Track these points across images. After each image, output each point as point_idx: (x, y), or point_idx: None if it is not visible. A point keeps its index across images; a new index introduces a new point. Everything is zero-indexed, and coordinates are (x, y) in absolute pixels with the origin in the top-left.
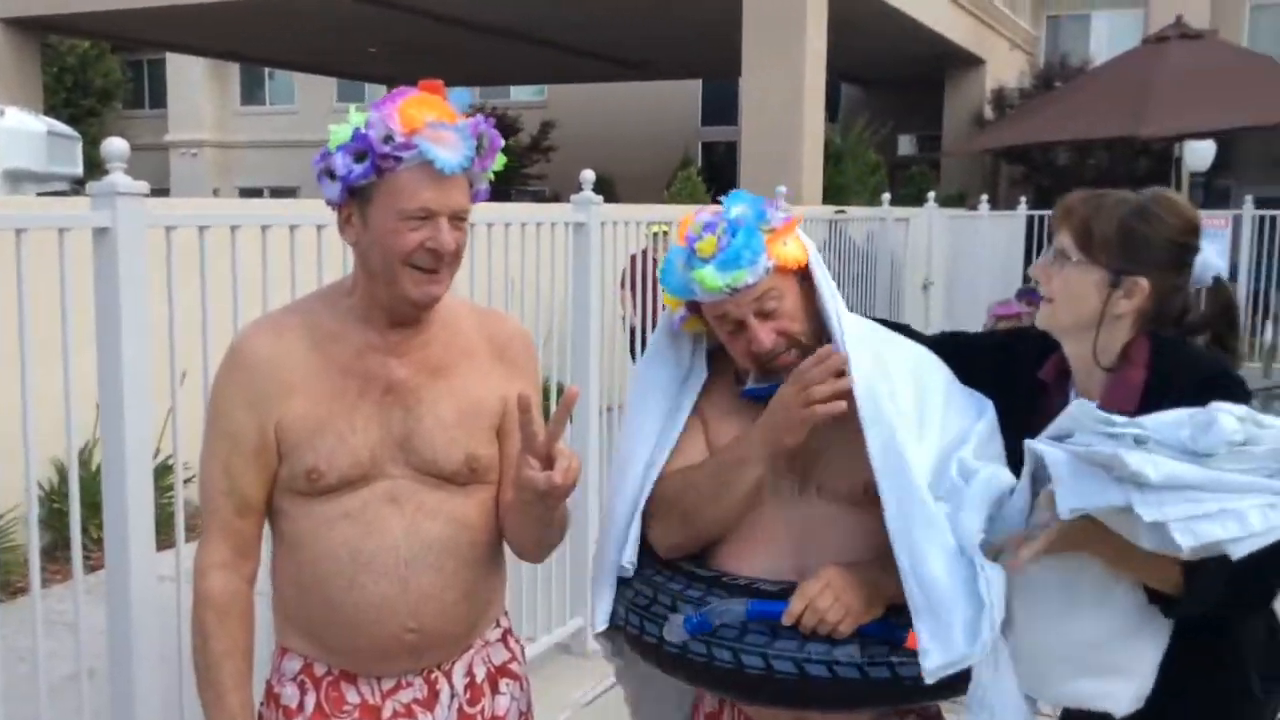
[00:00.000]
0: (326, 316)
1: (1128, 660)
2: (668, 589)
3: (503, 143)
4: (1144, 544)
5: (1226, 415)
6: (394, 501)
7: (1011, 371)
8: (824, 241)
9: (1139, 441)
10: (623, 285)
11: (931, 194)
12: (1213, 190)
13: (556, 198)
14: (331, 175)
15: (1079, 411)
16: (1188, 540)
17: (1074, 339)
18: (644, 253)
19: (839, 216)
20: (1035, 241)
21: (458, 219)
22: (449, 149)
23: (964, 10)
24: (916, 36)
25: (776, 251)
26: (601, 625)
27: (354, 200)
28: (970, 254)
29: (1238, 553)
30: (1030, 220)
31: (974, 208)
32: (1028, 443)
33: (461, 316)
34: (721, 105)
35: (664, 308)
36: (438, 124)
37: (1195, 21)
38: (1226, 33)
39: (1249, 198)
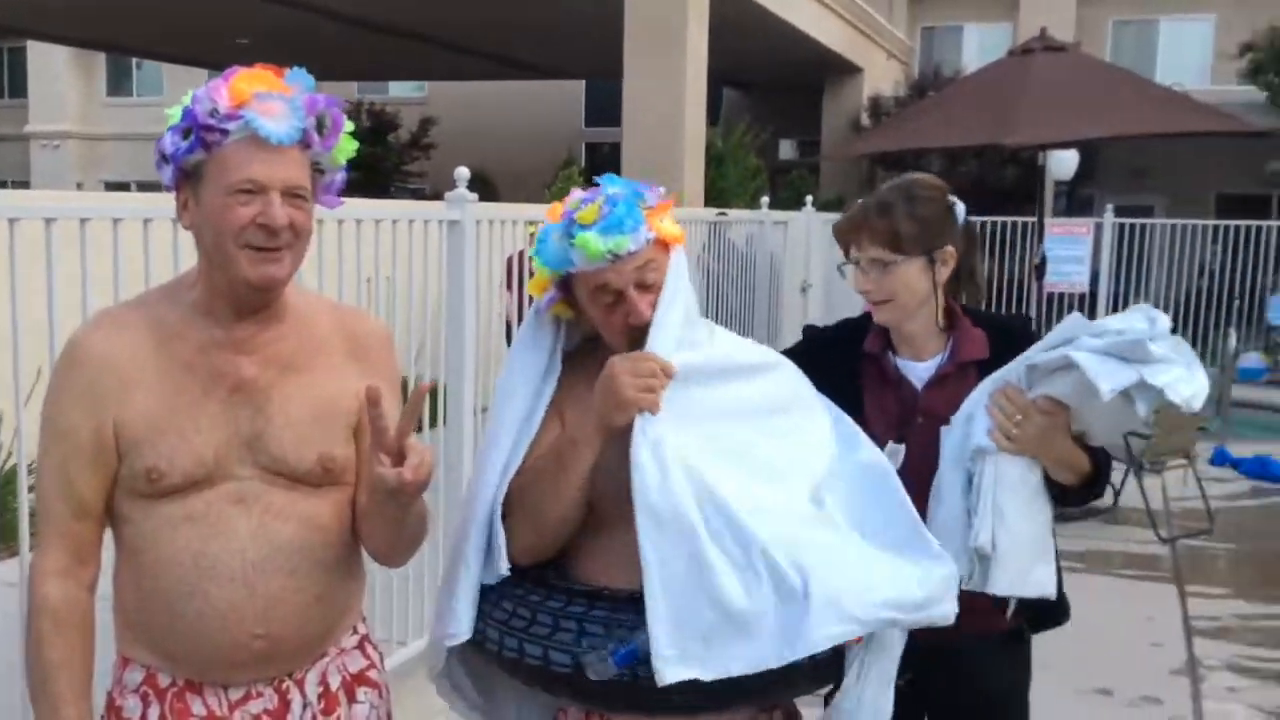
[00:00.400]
0: (169, 311)
1: (1050, 545)
2: (546, 608)
3: (347, 124)
4: (1139, 411)
5: (1154, 309)
6: (240, 503)
7: (845, 351)
8: (704, 244)
9: (1120, 334)
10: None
11: (810, 198)
12: (1076, 199)
13: (438, 196)
14: (165, 158)
15: (1075, 325)
16: (1176, 396)
17: (913, 318)
18: (521, 253)
19: (720, 219)
20: None
21: (294, 195)
22: (276, 119)
23: (842, 19)
24: (796, 43)
25: (656, 225)
26: (465, 634)
27: (188, 183)
28: None
29: (1196, 405)
30: None
31: None
32: (1064, 352)
33: (318, 313)
34: (605, 106)
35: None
36: (266, 95)
37: (1060, 35)
38: (1090, 46)
39: (1110, 206)
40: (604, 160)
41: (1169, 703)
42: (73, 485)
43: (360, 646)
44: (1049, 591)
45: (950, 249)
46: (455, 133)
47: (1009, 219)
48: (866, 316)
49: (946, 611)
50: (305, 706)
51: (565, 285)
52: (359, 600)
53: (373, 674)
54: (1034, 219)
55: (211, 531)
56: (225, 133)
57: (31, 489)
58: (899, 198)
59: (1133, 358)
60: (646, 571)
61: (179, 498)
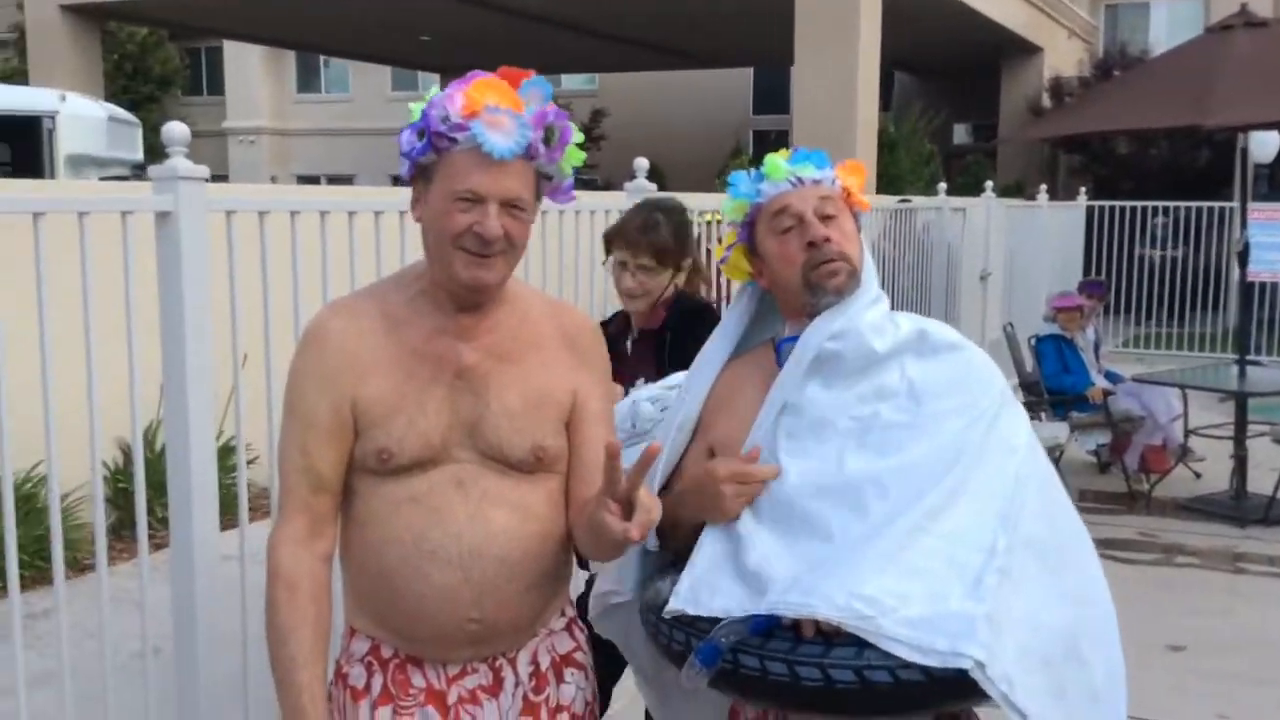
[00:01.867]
0: (398, 299)
1: None
2: None
3: (575, 136)
4: None
5: (644, 403)
6: (460, 486)
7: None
8: (884, 231)
9: None
10: None
11: (989, 183)
12: (1276, 182)
13: (608, 186)
14: (403, 154)
15: None
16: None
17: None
18: (697, 241)
19: (903, 206)
20: (1095, 232)
21: (512, 206)
22: (501, 134)
23: None
24: (973, 25)
25: (844, 178)
26: (618, 591)
27: (420, 179)
28: (1029, 245)
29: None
30: (1090, 211)
31: (1032, 198)
32: None
33: (532, 306)
34: (773, 93)
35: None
36: (495, 109)
37: (1258, 9)
38: None
39: None
40: (772, 148)
41: None
42: (310, 461)
43: (568, 629)
44: None
45: (689, 260)
46: (625, 123)
47: (1204, 204)
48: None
49: (950, 648)
50: (517, 684)
51: (750, 231)
52: (567, 585)
53: (579, 656)
54: (1231, 204)
55: (433, 515)
56: (454, 140)
57: (249, 463)
58: (662, 219)
59: None
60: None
61: (405, 477)
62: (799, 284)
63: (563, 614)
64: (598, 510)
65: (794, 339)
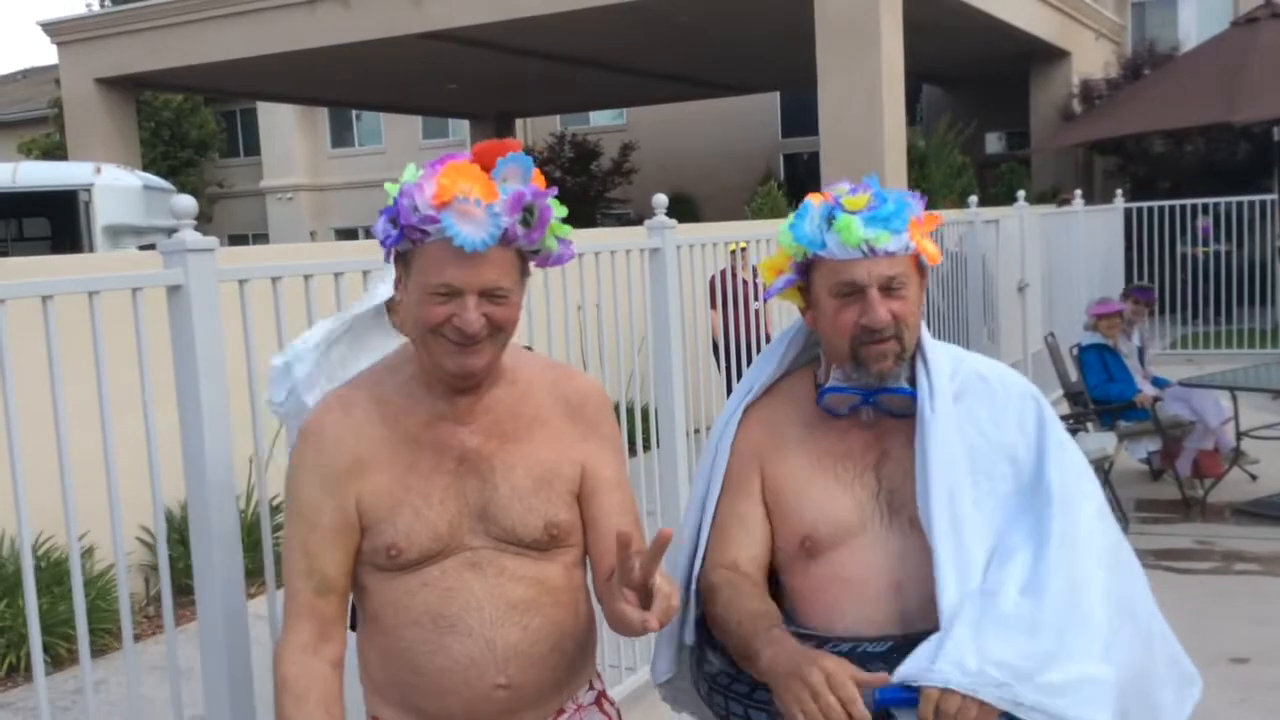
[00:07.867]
0: (392, 387)
1: None
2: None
3: (558, 213)
4: None
5: (296, 364)
6: (475, 568)
7: None
8: None
9: None
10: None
11: (1021, 192)
12: None
13: (640, 220)
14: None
15: None
16: None
17: None
18: (722, 273)
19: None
20: (1135, 234)
21: (493, 295)
22: (473, 226)
23: (1046, 3)
24: (998, 33)
25: (918, 238)
26: (662, 677)
27: (400, 262)
28: (1067, 252)
29: None
30: (1128, 213)
31: (1066, 203)
32: None
33: (533, 378)
34: (802, 114)
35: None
36: (466, 199)
37: None
38: None
39: None
40: (803, 170)
41: None
42: (314, 564)
43: (598, 703)
44: None
45: None
46: (655, 156)
47: (1244, 198)
48: None
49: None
50: None
51: (805, 271)
52: (593, 655)
53: None
54: (1272, 196)
55: (449, 594)
56: (425, 233)
57: (275, 530)
58: None
59: None
60: None
61: (417, 569)
62: (845, 352)
63: (591, 687)
64: (615, 600)
65: (839, 389)
